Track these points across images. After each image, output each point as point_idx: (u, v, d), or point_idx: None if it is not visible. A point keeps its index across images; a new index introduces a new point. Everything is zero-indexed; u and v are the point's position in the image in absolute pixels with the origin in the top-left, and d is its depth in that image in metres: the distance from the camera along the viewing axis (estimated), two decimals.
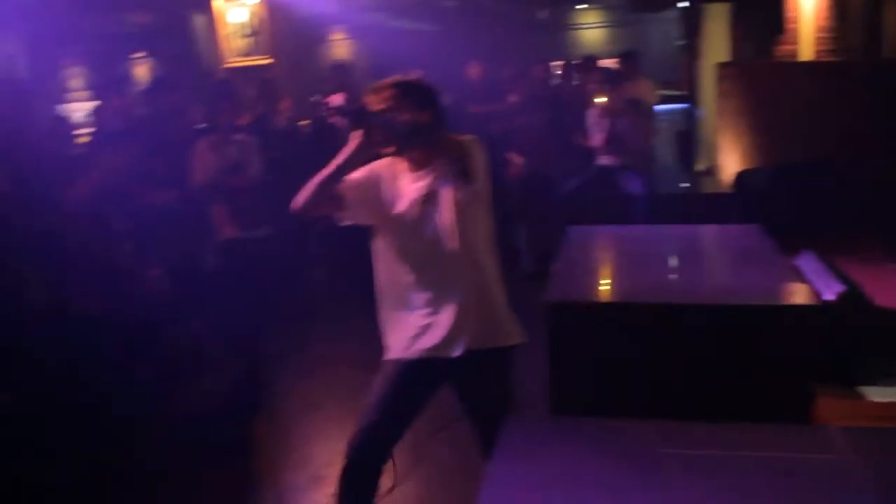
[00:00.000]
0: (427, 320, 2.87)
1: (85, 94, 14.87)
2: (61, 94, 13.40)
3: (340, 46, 13.85)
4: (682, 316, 3.24)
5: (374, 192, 2.88)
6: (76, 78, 15.02)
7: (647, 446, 2.15)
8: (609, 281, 3.71)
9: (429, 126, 2.77)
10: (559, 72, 9.38)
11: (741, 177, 6.40)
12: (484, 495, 1.90)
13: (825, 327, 3.19)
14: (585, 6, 13.28)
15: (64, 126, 7.67)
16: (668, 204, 6.22)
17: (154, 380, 4.84)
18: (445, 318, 2.84)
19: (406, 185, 2.87)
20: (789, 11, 7.37)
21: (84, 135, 8.27)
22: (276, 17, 9.01)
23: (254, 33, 9.00)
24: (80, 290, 4.27)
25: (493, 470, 2.02)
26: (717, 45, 8.72)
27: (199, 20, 9.82)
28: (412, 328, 2.88)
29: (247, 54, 9.05)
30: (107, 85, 5.41)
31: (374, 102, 2.77)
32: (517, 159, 6.99)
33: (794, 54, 7.42)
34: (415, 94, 2.79)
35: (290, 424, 4.47)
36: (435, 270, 2.86)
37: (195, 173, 5.10)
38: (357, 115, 2.75)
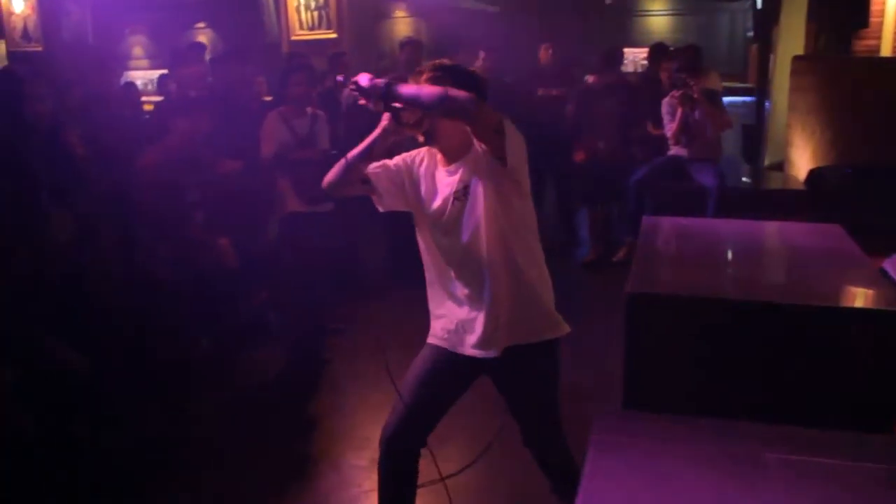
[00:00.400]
0: (465, 315, 2.80)
1: (146, 62, 15.07)
2: (126, 61, 13.58)
3: (402, 24, 13.78)
4: (768, 315, 3.14)
5: (407, 183, 2.83)
6: (139, 46, 15.20)
7: (748, 449, 2.08)
8: (692, 275, 3.62)
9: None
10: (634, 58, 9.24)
11: (815, 174, 6.26)
12: (583, 495, 1.85)
13: None
14: None
15: (134, 92, 7.74)
16: (739, 198, 6.07)
17: (217, 351, 4.85)
18: (481, 318, 2.77)
19: (441, 179, 2.80)
20: (874, 4, 7.15)
21: (150, 102, 8.35)
22: None
23: (321, 7, 8.96)
24: (152, 257, 4.28)
25: (591, 468, 1.96)
26: (792, 37, 8.48)
27: None
28: (451, 321, 2.84)
29: (313, 28, 9.01)
30: (177, 53, 5.39)
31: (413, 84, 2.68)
32: (588, 145, 6.90)
33: (875, 50, 7.21)
34: (455, 78, 2.66)
35: (350, 402, 4.45)
36: (470, 268, 2.78)
37: (264, 145, 5.08)
38: (382, 96, 2.58)
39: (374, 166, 2.80)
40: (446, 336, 2.85)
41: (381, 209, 2.88)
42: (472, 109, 2.50)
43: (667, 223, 4.50)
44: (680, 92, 6.11)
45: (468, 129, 2.61)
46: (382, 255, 6.79)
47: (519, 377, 2.89)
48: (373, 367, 4.87)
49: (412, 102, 2.58)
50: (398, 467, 2.84)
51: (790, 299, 3.25)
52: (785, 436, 2.18)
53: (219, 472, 3.76)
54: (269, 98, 6.66)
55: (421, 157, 2.86)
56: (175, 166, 4.48)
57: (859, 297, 3.32)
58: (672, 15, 13.45)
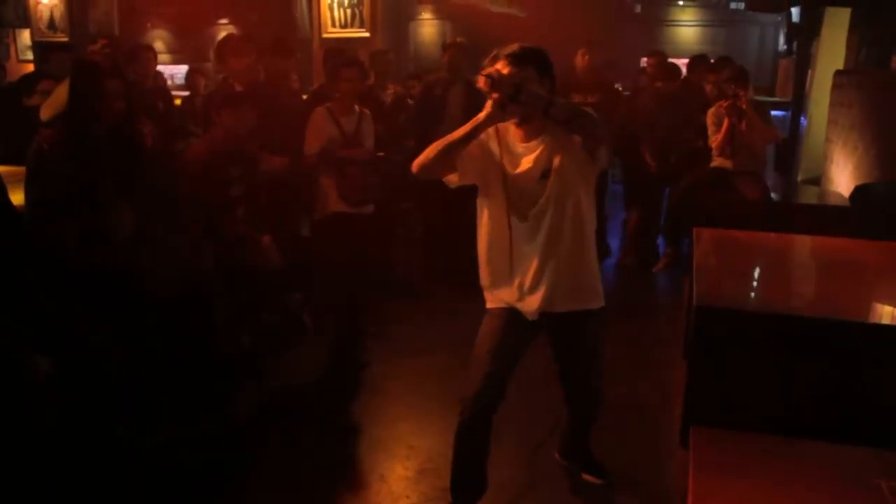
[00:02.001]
0: (532, 281, 3.01)
1: (167, 57, 15.02)
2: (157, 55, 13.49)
3: (429, 26, 13.73)
4: (842, 333, 3.06)
5: (484, 158, 2.95)
6: (160, 40, 15.15)
7: (857, 473, 1.99)
8: (758, 289, 3.54)
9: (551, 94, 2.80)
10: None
11: (860, 191, 6.15)
12: None
13: None
14: (684, 3, 12.96)
15: (162, 79, 7.69)
16: (781, 212, 5.97)
17: (254, 351, 4.76)
18: (547, 284, 2.99)
19: (521, 154, 2.94)
20: None
21: (176, 96, 8.28)
22: None
23: (354, 5, 8.89)
24: (196, 252, 4.19)
25: (698, 488, 1.87)
26: (832, 52, 8.40)
27: None
28: (517, 288, 3.04)
29: (345, 26, 8.94)
30: (228, 45, 5.31)
31: (507, 69, 2.78)
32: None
33: None
34: (538, 63, 2.84)
35: (393, 409, 4.34)
36: (536, 238, 2.96)
37: (310, 141, 5.00)
38: (497, 84, 2.71)
39: None
40: (512, 300, 3.06)
41: (453, 185, 2.98)
42: (600, 136, 2.79)
43: (719, 235, 4.42)
44: (728, 102, 6.02)
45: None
46: (419, 257, 6.71)
47: (573, 336, 3.18)
48: (412, 370, 4.81)
49: (558, 113, 2.71)
50: (480, 424, 2.99)
51: (862, 317, 3.17)
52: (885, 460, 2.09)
53: (259, 483, 3.60)
54: (305, 95, 6.58)
55: (498, 130, 2.94)
56: (220, 160, 4.40)
57: None
58: (702, 26, 13.40)
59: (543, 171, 2.90)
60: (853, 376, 3.04)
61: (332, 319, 5.13)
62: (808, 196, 7.34)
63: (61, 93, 3.77)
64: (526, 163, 2.92)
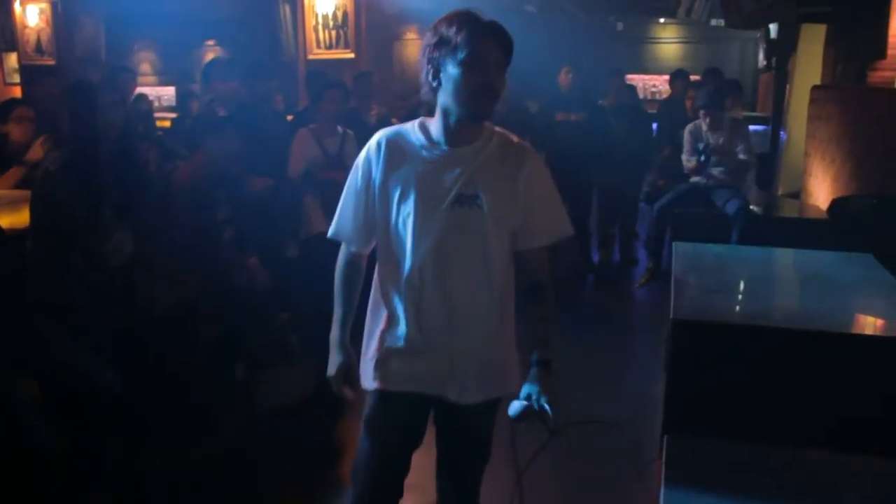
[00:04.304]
0: (438, 352, 2.36)
1: (154, 78, 15.08)
2: (137, 76, 13.57)
3: (413, 46, 13.81)
4: (815, 343, 3.14)
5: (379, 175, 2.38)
6: (147, 62, 15.22)
7: (824, 479, 2.06)
8: (734, 302, 3.62)
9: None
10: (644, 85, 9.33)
11: (838, 203, 6.25)
12: None
13: None
14: (665, 20, 13.13)
15: (145, 103, 7.75)
16: (760, 226, 6.07)
17: (245, 373, 4.79)
18: (459, 356, 2.36)
19: (438, 167, 2.29)
20: (892, 36, 7.19)
21: (161, 118, 8.34)
22: (362, 11, 8.99)
23: (339, 26, 8.99)
24: (184, 275, 4.24)
25: (668, 498, 1.93)
26: (809, 67, 8.53)
27: (285, 10, 9.85)
28: (415, 356, 2.37)
29: (330, 47, 9.03)
30: (215, 67, 5.40)
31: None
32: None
33: (890, 81, 7.23)
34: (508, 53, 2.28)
35: None
36: (459, 292, 2.31)
37: (294, 162, 5.07)
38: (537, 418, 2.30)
39: None
40: (409, 376, 2.38)
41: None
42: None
43: (697, 249, 4.50)
44: (708, 118, 6.13)
45: None
46: None
47: (467, 428, 2.50)
48: None
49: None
50: None
51: (837, 328, 3.25)
52: (860, 466, 2.16)
53: None
54: (290, 117, 6.66)
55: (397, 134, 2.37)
56: (206, 183, 4.46)
57: None
58: (683, 43, 13.57)
59: (462, 197, 2.29)
60: (827, 385, 3.12)
61: (319, 340, 5.16)
62: (789, 209, 7.44)
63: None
64: (443, 181, 2.33)
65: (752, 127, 9.65)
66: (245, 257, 4.63)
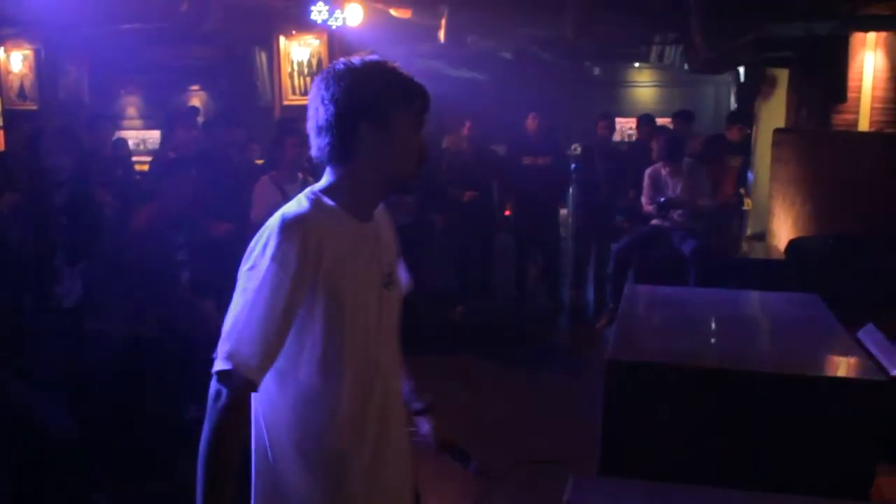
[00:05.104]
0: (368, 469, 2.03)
1: (139, 122, 15.25)
2: (117, 121, 13.75)
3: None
4: (745, 383, 3.21)
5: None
6: (132, 106, 15.40)
7: None
8: (671, 342, 3.69)
9: None
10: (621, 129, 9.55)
11: (794, 245, 6.36)
12: None
13: (891, 404, 3.14)
14: (639, 65, 13.36)
15: (123, 149, 7.87)
16: (720, 267, 6.16)
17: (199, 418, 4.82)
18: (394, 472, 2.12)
19: (361, 250, 2.00)
20: (851, 81, 7.36)
21: (143, 162, 8.46)
22: (336, 58, 9.13)
23: (314, 73, 9.13)
24: (140, 316, 4.30)
25: None
26: (774, 110, 8.71)
27: (261, 57, 10.01)
28: (352, 472, 2.02)
29: (305, 93, 9.15)
30: (172, 118, 5.53)
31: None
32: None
33: (852, 124, 7.39)
34: None
35: None
36: (387, 378, 2.06)
37: (256, 209, 5.16)
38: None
39: None
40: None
41: None
42: None
43: (648, 291, 4.59)
44: (668, 168, 6.27)
45: None
46: None
47: None
48: None
49: None
50: None
51: (766, 368, 3.32)
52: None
53: None
54: (260, 161, 6.77)
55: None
56: (163, 225, 4.55)
57: (834, 367, 3.39)
58: (659, 87, 13.81)
59: (384, 277, 2.08)
60: (754, 423, 3.18)
61: None
62: (754, 251, 7.55)
63: None
64: (369, 262, 2.08)
65: None
66: (201, 300, 4.70)
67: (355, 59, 1.93)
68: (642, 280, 5.21)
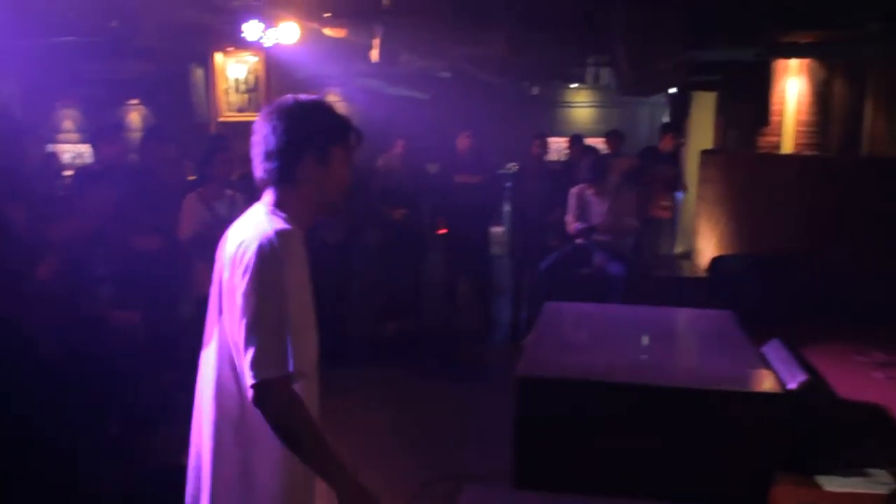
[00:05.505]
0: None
1: (76, 136, 15.04)
2: (52, 135, 13.56)
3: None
4: (648, 397, 3.30)
5: None
6: (69, 119, 15.19)
7: None
8: (580, 359, 3.77)
9: None
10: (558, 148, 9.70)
11: (716, 262, 6.53)
12: None
13: (787, 416, 3.25)
14: (577, 85, 13.58)
15: (54, 162, 7.78)
16: (645, 285, 6.29)
17: (121, 434, 4.78)
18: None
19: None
20: (775, 104, 7.58)
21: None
22: (273, 76, 9.16)
23: (250, 90, 9.14)
24: (51, 332, 4.25)
25: None
26: (702, 132, 8.93)
27: (197, 73, 9.98)
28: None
29: (241, 110, 9.17)
30: (100, 129, 5.51)
31: None
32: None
33: (776, 146, 7.61)
34: None
35: None
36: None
37: (183, 225, 5.15)
38: None
39: None
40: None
41: None
42: None
43: (567, 309, 4.67)
44: (593, 189, 6.38)
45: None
46: None
47: None
48: None
49: None
50: None
51: (671, 382, 3.42)
52: None
53: None
54: (192, 178, 6.75)
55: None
56: (82, 240, 4.52)
57: (736, 381, 3.49)
58: (596, 107, 14.07)
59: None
60: (659, 435, 3.27)
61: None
62: (680, 269, 7.72)
63: None
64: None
65: None
66: (122, 313, 4.68)
67: (302, 97, 2.22)
68: (568, 298, 5.29)
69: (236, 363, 2.10)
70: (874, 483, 3.14)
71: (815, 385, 3.73)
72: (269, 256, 2.06)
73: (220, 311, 2.20)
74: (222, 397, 2.15)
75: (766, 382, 3.41)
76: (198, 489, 2.23)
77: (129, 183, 5.01)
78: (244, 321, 2.04)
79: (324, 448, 2.05)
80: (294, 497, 2.18)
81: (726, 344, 4.04)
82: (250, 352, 2.01)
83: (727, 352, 3.93)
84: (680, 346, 4.02)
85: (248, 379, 2.00)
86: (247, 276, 2.07)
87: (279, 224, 2.12)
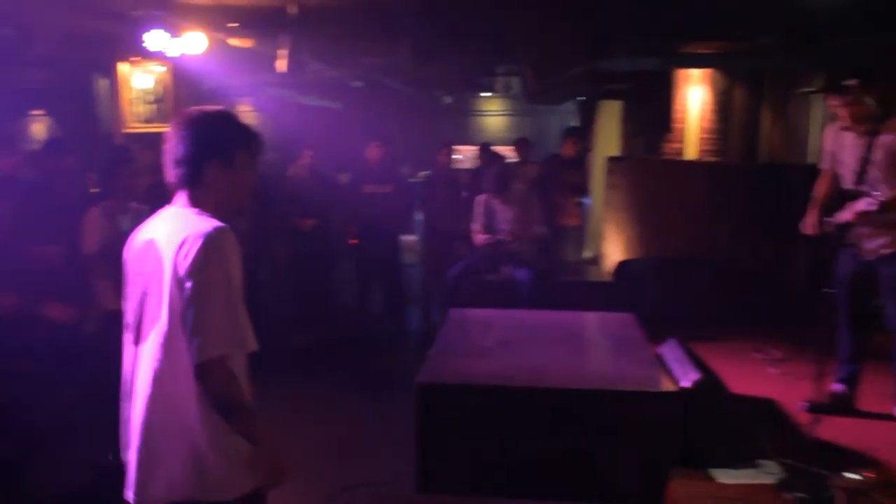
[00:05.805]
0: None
1: None
2: None
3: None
4: (545, 399, 3.38)
5: None
6: None
7: None
8: (481, 364, 3.82)
9: None
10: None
11: (622, 267, 6.68)
12: None
13: (680, 413, 3.36)
14: (489, 94, 13.74)
15: None
16: (553, 290, 6.38)
17: (17, 452, 4.64)
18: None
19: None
20: (678, 112, 7.80)
21: None
22: (180, 86, 9.01)
23: (157, 100, 8.98)
24: None
25: None
26: (608, 139, 9.12)
27: (102, 83, 9.76)
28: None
29: (148, 121, 9.00)
30: None
31: None
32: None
33: (679, 152, 7.83)
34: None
35: None
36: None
37: (86, 240, 5.03)
38: None
39: None
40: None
41: None
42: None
43: (471, 314, 4.73)
44: (499, 198, 6.45)
45: None
46: None
47: None
48: None
49: None
50: None
51: (568, 383, 3.50)
52: None
53: None
54: (95, 190, 6.60)
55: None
56: None
57: (631, 380, 3.60)
58: (508, 115, 14.25)
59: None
60: (557, 436, 3.34)
61: (107, 420, 5.06)
62: (587, 273, 7.86)
63: None
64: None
65: None
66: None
67: (207, 108, 2.41)
68: (476, 305, 5.35)
69: (187, 347, 2.21)
70: (764, 473, 3.26)
71: (708, 383, 3.86)
72: (216, 248, 2.20)
73: (160, 306, 2.26)
74: (161, 383, 2.26)
75: (659, 382, 3.53)
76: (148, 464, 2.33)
77: (24, 195, 4.88)
78: (192, 310, 2.17)
79: (251, 416, 2.23)
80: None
81: (624, 346, 4.15)
82: (200, 335, 2.16)
83: (625, 353, 4.04)
84: (581, 349, 4.11)
85: (197, 357, 2.16)
86: (196, 267, 2.18)
87: (215, 221, 2.25)
